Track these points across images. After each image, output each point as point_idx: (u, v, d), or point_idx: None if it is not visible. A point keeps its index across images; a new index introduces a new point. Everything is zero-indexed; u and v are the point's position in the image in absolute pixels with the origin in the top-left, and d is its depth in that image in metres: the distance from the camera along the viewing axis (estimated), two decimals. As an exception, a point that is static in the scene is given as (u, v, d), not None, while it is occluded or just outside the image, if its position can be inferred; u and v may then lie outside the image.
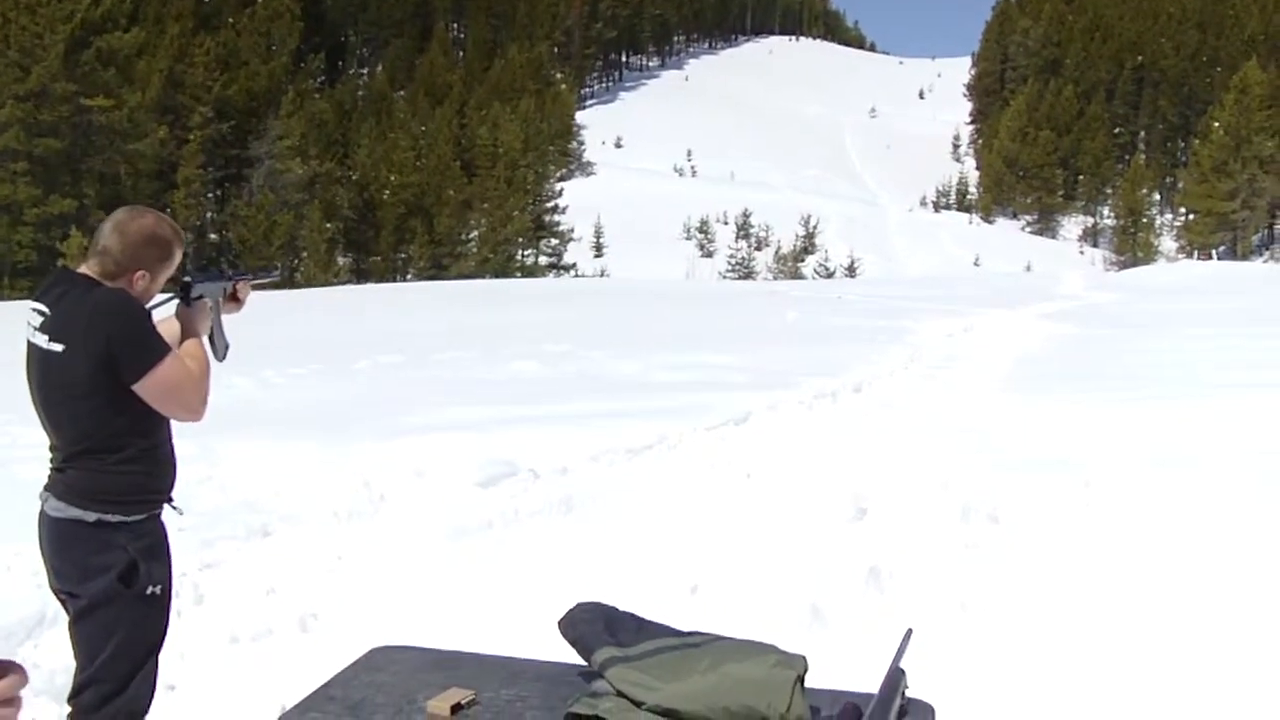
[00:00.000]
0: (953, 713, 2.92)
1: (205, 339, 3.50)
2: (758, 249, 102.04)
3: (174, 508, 3.37)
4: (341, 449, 9.64)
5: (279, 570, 6.45)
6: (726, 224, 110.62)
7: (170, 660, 4.01)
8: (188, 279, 3.49)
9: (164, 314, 3.49)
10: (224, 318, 3.64)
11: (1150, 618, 5.41)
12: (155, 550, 3.23)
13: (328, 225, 67.68)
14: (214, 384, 3.35)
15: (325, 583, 6.33)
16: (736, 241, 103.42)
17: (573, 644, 2.67)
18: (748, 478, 9.04)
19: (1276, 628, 5.21)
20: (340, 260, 70.93)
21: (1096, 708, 4.49)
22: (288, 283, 54.61)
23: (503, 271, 71.86)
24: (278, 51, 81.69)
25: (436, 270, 71.76)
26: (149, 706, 3.28)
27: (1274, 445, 9.24)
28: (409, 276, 71.78)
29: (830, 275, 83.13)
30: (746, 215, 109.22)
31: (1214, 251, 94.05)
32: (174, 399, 3.17)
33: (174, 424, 3.34)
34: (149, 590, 3.18)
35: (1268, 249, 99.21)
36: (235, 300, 3.68)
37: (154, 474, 3.25)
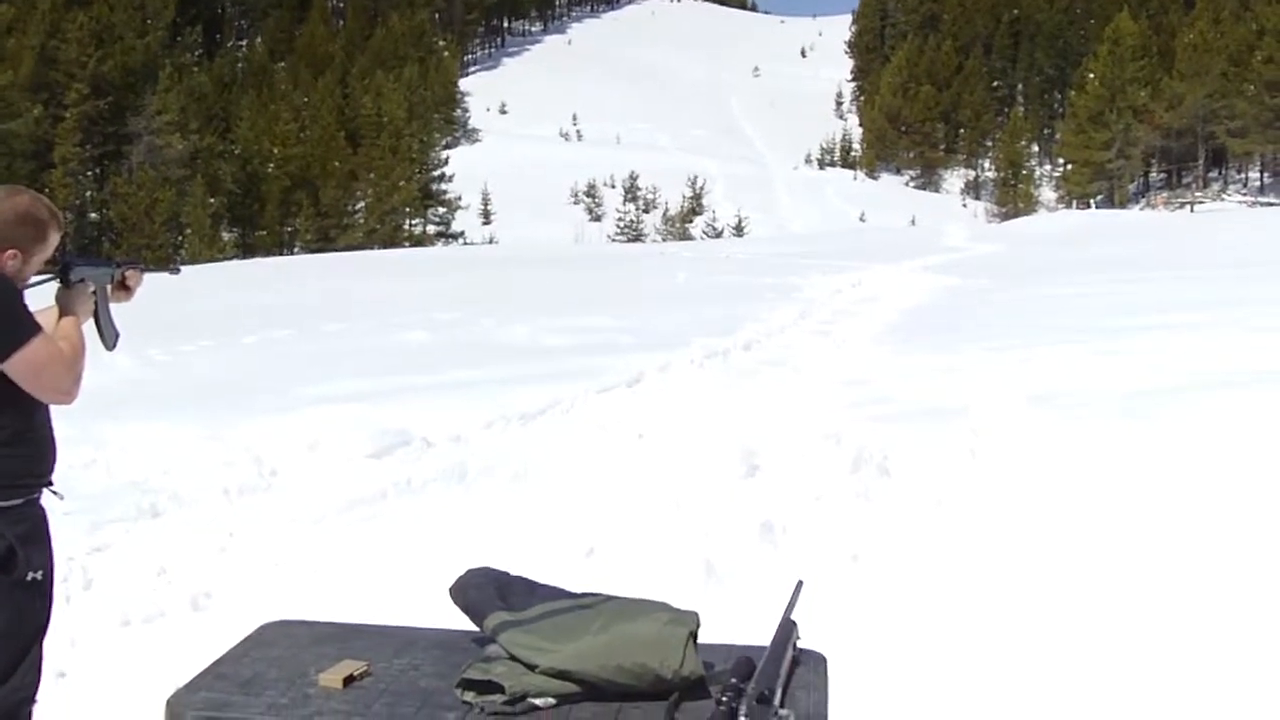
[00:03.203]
0: (844, 663, 2.96)
1: (91, 324, 3.42)
2: (646, 211, 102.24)
3: (54, 492, 3.29)
4: (231, 425, 9.51)
5: (169, 550, 6.34)
6: (614, 187, 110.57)
7: (60, 647, 3.95)
8: (67, 260, 3.41)
9: (47, 301, 3.41)
10: (112, 306, 3.56)
11: (1037, 562, 5.52)
12: (34, 535, 3.16)
13: (211, 200, 66.76)
14: (95, 364, 3.28)
15: (217, 561, 6.24)
16: (624, 204, 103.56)
17: (464, 610, 2.68)
18: (640, 438, 9.08)
19: (1156, 566, 5.35)
20: (225, 235, 69.98)
21: (985, 656, 4.58)
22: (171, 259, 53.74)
23: (391, 241, 71.40)
24: (153, 25, 79.83)
25: (324, 242, 71.07)
26: (36, 695, 3.22)
27: (1151, 386, 9.43)
28: (296, 249, 70.94)
29: (718, 235, 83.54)
30: (634, 178, 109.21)
31: (1092, 200, 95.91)
32: (42, 379, 3.09)
33: (54, 406, 3.27)
34: (29, 577, 3.11)
35: (1143, 197, 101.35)
36: (125, 289, 3.59)
37: (31, 457, 3.18)
